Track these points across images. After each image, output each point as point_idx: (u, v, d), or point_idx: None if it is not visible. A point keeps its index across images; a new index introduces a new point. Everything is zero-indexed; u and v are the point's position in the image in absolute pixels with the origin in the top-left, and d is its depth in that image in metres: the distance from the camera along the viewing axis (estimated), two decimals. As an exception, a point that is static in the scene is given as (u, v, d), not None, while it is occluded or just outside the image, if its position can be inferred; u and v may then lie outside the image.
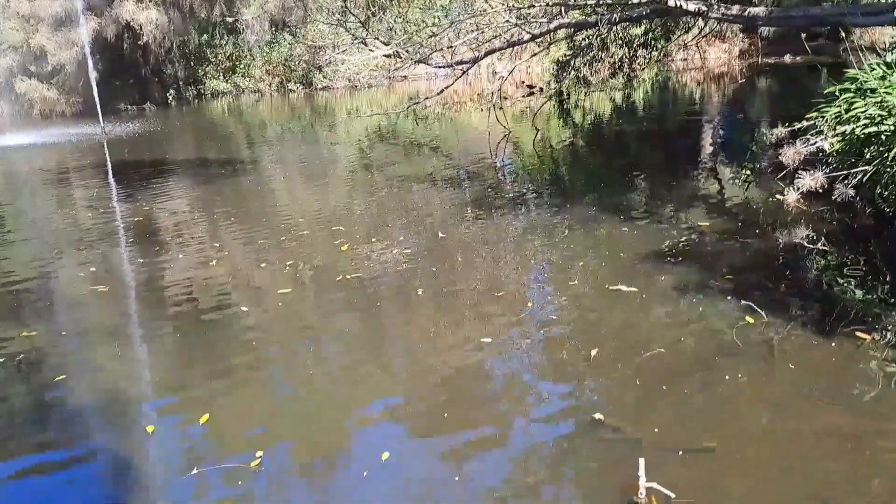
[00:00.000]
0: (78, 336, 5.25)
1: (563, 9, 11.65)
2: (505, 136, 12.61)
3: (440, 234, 7.02)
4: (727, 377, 3.79)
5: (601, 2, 10.92)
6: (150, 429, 3.77)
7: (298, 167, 12.40)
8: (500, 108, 13.82)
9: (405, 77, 27.26)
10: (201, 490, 3.22)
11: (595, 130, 14.45)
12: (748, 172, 7.98)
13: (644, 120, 14.71)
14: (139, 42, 25.53)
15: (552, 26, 11.94)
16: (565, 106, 16.69)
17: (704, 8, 10.24)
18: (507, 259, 6.20)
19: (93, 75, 21.53)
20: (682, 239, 6.14)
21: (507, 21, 11.71)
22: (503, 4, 11.15)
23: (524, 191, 9.01)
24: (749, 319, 4.41)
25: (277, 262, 6.45)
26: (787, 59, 20.53)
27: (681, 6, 10.07)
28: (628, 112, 16.14)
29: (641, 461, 2.95)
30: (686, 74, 21.52)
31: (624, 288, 5.09)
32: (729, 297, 4.80)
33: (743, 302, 4.64)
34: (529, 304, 5.07)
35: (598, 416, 3.52)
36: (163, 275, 6.50)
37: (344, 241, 6.87)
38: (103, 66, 24.62)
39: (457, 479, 3.17)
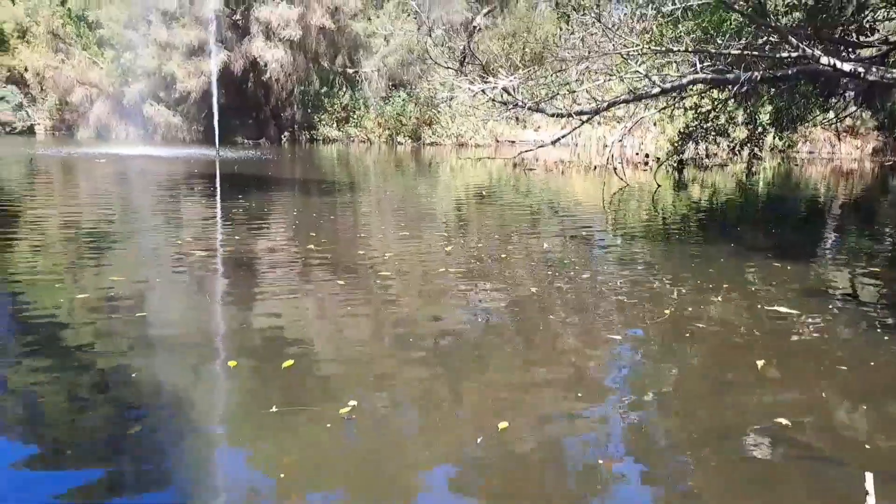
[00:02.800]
0: (160, 292, 4.81)
1: (699, 61, 11.03)
2: (621, 189, 11.93)
3: (556, 276, 6.33)
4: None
5: (745, 53, 10.20)
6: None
7: (396, 207, 11.92)
8: (615, 168, 13.25)
9: (513, 142, 27.23)
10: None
11: (721, 201, 13.50)
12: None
13: (770, 198, 13.67)
14: (263, 78, 26.59)
15: (685, 81, 11.31)
16: (683, 179, 15.85)
17: (861, 70, 9.37)
18: (636, 290, 5.42)
19: (216, 104, 22.45)
20: (847, 282, 5.23)
21: (636, 72, 11.19)
22: (639, 47, 10.55)
23: (639, 242, 8.20)
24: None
25: (368, 293, 5.90)
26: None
27: (834, 65, 9.26)
28: (752, 192, 15.15)
29: (869, 477, 2.12)
30: (811, 168, 20.34)
31: (784, 309, 4.25)
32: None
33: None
34: (667, 312, 4.28)
35: (783, 420, 2.69)
36: (248, 258, 6.07)
37: (433, 283, 6.22)
38: (226, 100, 25.70)
39: None
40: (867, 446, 2.59)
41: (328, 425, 2.68)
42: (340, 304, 4.44)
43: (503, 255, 6.13)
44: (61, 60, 29.01)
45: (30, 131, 30.43)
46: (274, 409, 2.81)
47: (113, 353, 3.42)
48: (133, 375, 3.13)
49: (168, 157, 18.27)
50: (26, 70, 29.82)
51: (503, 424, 2.71)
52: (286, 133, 29.29)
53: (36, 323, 3.89)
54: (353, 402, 2.87)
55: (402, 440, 2.62)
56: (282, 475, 2.33)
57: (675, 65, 11.44)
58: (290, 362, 3.28)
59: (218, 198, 10.23)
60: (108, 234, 6.93)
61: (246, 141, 27.37)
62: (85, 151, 19.59)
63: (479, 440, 2.59)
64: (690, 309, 4.40)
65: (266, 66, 26.00)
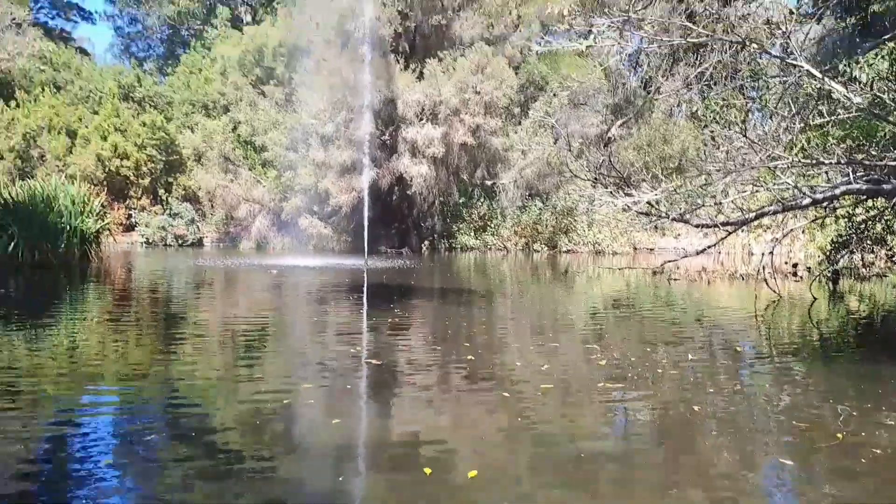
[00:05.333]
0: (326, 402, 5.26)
1: (851, 172, 10.75)
2: (773, 301, 11.55)
3: (695, 408, 6.29)
4: None
5: (902, 164, 9.88)
6: None
7: (538, 316, 12.15)
8: (766, 280, 12.85)
9: (652, 250, 27.00)
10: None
11: (882, 314, 12.69)
12: None
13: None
14: (407, 192, 28.29)
15: (837, 192, 11.02)
16: (838, 291, 15.02)
17: None
18: (794, 410, 5.30)
19: (366, 217, 24.09)
20: None
21: (784, 182, 11.05)
22: (787, 159, 10.45)
23: (795, 358, 7.91)
24: None
25: (508, 406, 6.12)
26: None
27: None
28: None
29: None
30: None
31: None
32: None
33: None
34: (839, 436, 4.18)
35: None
36: (396, 368, 6.48)
37: (587, 396, 6.30)
38: (373, 212, 27.47)
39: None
40: None
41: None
42: (509, 416, 4.66)
43: (648, 369, 6.17)
44: (230, 180, 32.33)
45: (198, 243, 33.69)
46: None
47: (289, 461, 3.82)
48: (313, 483, 3.49)
49: (324, 267, 19.66)
50: (199, 189, 33.40)
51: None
52: (426, 242, 30.63)
53: (197, 429, 4.36)
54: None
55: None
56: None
57: (825, 174, 11.21)
58: (474, 472, 3.53)
59: (369, 306, 10.91)
60: (264, 340, 7.62)
61: (389, 250, 28.88)
62: (252, 262, 21.47)
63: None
64: (863, 433, 4.26)
65: (411, 180, 27.70)
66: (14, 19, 32.51)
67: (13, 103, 33.38)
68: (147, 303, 11.14)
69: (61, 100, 34.42)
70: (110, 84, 35.92)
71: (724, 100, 12.64)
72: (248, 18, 45.77)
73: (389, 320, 9.07)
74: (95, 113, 34.19)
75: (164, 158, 34.20)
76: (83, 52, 45.91)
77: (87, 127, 32.98)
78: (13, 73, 33.37)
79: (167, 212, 33.37)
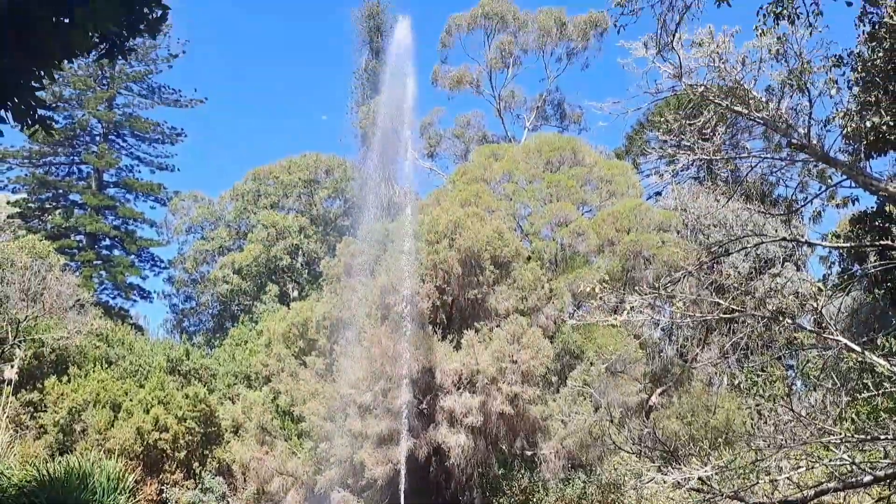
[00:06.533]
0: None
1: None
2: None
3: None
4: None
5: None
6: None
7: None
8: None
9: (708, 528, 25.03)
10: None
11: None
12: None
13: None
14: (445, 464, 27.47)
15: (900, 467, 10.47)
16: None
17: None
18: None
19: (402, 493, 23.28)
20: None
21: (840, 457, 10.59)
22: (838, 434, 10.12)
23: None
24: None
25: None
26: None
27: None
28: None
29: None
30: None
31: None
32: None
33: None
34: None
35: None
36: None
37: None
38: (409, 485, 26.48)
39: None
40: None
41: None
42: None
43: None
44: (265, 452, 31.88)
45: (227, 521, 32.35)
46: None
47: None
48: None
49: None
50: (233, 462, 32.86)
51: None
52: (464, 519, 28.98)
53: None
54: None
55: None
56: None
57: (883, 450, 10.75)
58: None
59: None
60: None
61: (427, 532, 27.35)
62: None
63: None
64: None
65: (448, 451, 27.05)
66: (79, 300, 34.84)
67: (65, 378, 34.45)
68: None
69: (111, 374, 35.50)
70: (159, 359, 37.24)
71: (763, 370, 12.61)
72: (295, 294, 48.52)
73: None
74: (141, 386, 34.99)
75: (202, 431, 34.15)
76: (138, 328, 48.35)
77: (131, 400, 33.56)
78: (70, 350, 34.90)
79: (199, 486, 32.48)
